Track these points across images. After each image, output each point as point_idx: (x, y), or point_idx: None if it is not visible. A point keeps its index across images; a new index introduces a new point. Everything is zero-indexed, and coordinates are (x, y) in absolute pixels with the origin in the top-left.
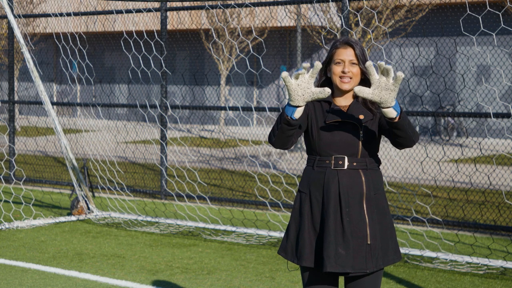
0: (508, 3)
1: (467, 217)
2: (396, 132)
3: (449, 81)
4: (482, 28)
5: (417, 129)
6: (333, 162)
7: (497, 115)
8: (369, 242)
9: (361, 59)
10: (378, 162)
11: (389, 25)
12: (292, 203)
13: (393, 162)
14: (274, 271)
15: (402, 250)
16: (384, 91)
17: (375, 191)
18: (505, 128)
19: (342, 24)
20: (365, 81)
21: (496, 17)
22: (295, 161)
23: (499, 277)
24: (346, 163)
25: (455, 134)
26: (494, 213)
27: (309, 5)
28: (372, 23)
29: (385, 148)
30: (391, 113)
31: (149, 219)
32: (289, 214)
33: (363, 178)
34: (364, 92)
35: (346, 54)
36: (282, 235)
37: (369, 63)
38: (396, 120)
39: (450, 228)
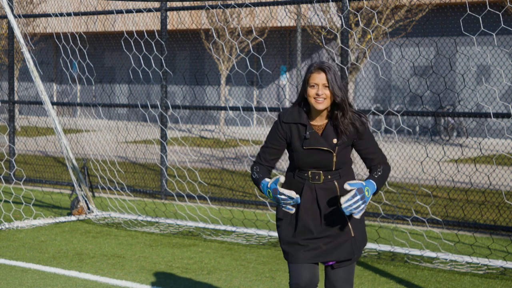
0: (508, 3)
1: (467, 217)
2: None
3: (449, 81)
4: (482, 28)
5: (417, 129)
6: (310, 176)
7: (497, 115)
8: (353, 235)
9: (331, 83)
10: (350, 163)
11: (389, 25)
12: None
13: (393, 162)
14: (274, 271)
15: (402, 250)
16: (354, 208)
17: (347, 191)
18: (505, 128)
19: (342, 24)
20: (336, 103)
21: (496, 17)
22: None
23: (499, 277)
24: (322, 177)
25: (455, 134)
26: (494, 213)
27: (309, 5)
28: (372, 23)
29: (385, 148)
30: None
31: (149, 219)
32: None
33: (337, 186)
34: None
35: (319, 78)
36: None
37: (348, 188)
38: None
39: (450, 228)
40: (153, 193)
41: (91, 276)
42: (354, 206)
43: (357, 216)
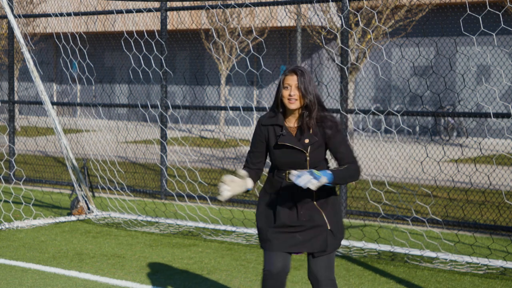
0: (508, 3)
1: (467, 217)
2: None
3: (449, 81)
4: (482, 28)
5: (417, 129)
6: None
7: (497, 115)
8: (329, 228)
9: (300, 84)
10: (326, 162)
11: (389, 25)
12: None
13: (393, 162)
14: None
15: (402, 250)
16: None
17: (324, 190)
18: (505, 128)
19: (342, 24)
20: (307, 105)
21: (496, 17)
22: None
23: (499, 277)
24: None
25: (455, 134)
26: (494, 213)
27: (309, 5)
28: (372, 23)
29: (385, 148)
30: (324, 182)
31: (149, 219)
32: None
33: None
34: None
35: (292, 80)
36: None
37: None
38: (332, 184)
39: (450, 228)
40: (153, 193)
41: (91, 276)
42: (303, 177)
43: (311, 186)
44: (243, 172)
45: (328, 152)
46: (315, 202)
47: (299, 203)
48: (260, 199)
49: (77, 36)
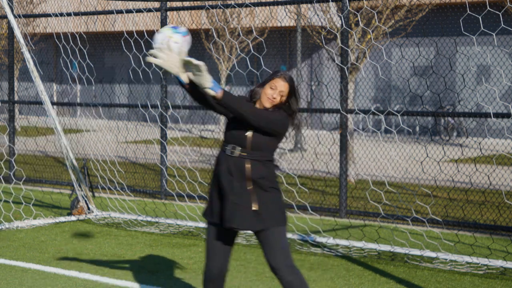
0: (508, 3)
1: (467, 217)
2: (225, 108)
3: (449, 81)
4: (482, 29)
5: (417, 129)
6: (229, 149)
7: (497, 115)
8: (253, 209)
9: (290, 94)
10: (270, 158)
11: (389, 25)
12: (293, 202)
13: (393, 162)
14: None
15: (402, 250)
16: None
17: (260, 176)
18: (505, 128)
19: (342, 24)
20: (283, 108)
21: (496, 17)
22: (295, 161)
23: (499, 277)
24: (237, 153)
25: (455, 134)
26: (494, 213)
27: (309, 5)
28: (372, 23)
29: (385, 148)
30: (210, 92)
31: (149, 219)
32: (290, 214)
33: (246, 165)
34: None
35: (280, 85)
36: None
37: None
38: (218, 98)
39: (450, 228)
40: (153, 193)
41: (91, 276)
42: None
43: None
44: (190, 61)
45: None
46: (249, 186)
47: (234, 178)
48: (213, 173)
49: (77, 36)
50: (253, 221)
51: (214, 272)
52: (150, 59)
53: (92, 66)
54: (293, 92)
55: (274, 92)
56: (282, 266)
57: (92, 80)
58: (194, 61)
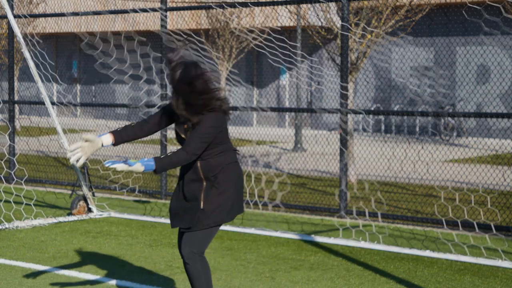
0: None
1: (467, 217)
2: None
3: (449, 81)
4: (482, 29)
5: (417, 129)
6: None
7: (497, 115)
8: (202, 208)
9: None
10: (219, 148)
11: (389, 25)
12: (293, 202)
13: (393, 162)
14: (274, 271)
15: (403, 250)
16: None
17: (211, 173)
18: (505, 128)
19: (342, 24)
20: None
21: (496, 17)
22: (295, 161)
23: (499, 277)
24: None
25: (455, 134)
26: (494, 213)
27: (309, 5)
28: (372, 23)
29: (385, 148)
30: (148, 171)
31: (149, 219)
32: (290, 214)
33: (198, 165)
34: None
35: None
36: (283, 235)
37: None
38: (157, 171)
39: (450, 228)
40: (153, 193)
41: (91, 276)
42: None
43: (108, 165)
44: (89, 137)
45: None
46: (203, 184)
47: (185, 179)
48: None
49: (77, 36)
50: (195, 219)
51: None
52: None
53: (92, 66)
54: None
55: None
56: (187, 253)
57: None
58: (118, 168)
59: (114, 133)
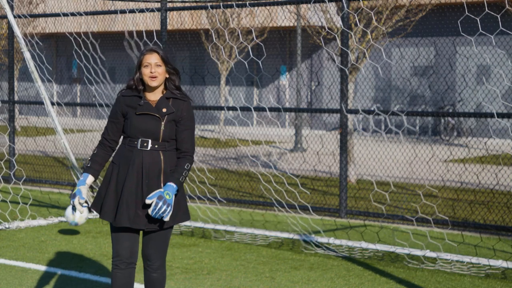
0: (507, 4)
1: (465, 217)
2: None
3: (449, 81)
4: (480, 30)
5: (417, 128)
6: (139, 143)
7: (497, 115)
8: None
9: (165, 61)
10: (175, 146)
11: (389, 25)
12: (293, 202)
13: (393, 162)
14: (274, 271)
15: (403, 251)
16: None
17: (171, 167)
18: (505, 128)
19: (341, 24)
20: (170, 78)
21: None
22: (295, 161)
23: (499, 278)
24: (150, 145)
25: (455, 134)
26: (500, 214)
27: (309, 5)
28: (372, 23)
29: (385, 148)
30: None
31: None
32: (290, 214)
33: (162, 157)
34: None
35: (152, 59)
36: (282, 235)
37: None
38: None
39: (453, 228)
40: None
41: (91, 276)
42: (160, 212)
43: (166, 219)
44: (81, 209)
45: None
46: (162, 177)
47: (145, 173)
48: (108, 171)
49: (77, 36)
50: (160, 220)
51: (124, 254)
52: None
53: (92, 66)
54: (166, 59)
55: (150, 67)
56: (155, 258)
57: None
58: (166, 218)
59: (90, 171)
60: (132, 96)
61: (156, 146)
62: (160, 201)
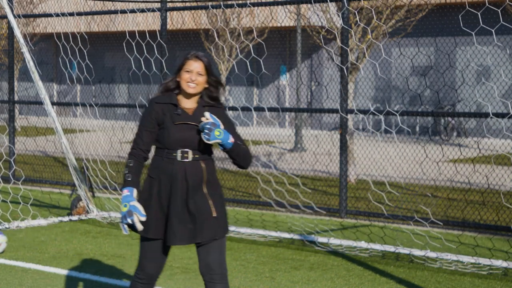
0: (508, 1)
1: (467, 217)
2: (228, 154)
3: (449, 81)
4: (481, 24)
5: (417, 129)
6: (179, 155)
7: (496, 115)
8: (214, 215)
9: (208, 71)
10: (211, 152)
11: (389, 25)
12: (293, 202)
13: (393, 162)
14: (274, 271)
15: (403, 251)
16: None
17: (213, 176)
18: (504, 127)
19: (341, 24)
20: (209, 89)
21: (496, 17)
22: (295, 161)
23: (499, 278)
24: (191, 156)
25: (455, 134)
26: (495, 213)
27: (309, 5)
28: (372, 23)
29: (385, 148)
30: (220, 146)
31: None
32: (290, 214)
33: (204, 167)
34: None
35: (194, 66)
36: (282, 235)
37: (206, 114)
38: (226, 149)
39: (451, 229)
40: None
41: (91, 276)
42: (208, 125)
43: (205, 138)
44: (139, 227)
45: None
46: (204, 187)
47: (190, 184)
48: (146, 186)
49: (77, 36)
50: (217, 227)
51: (152, 273)
52: None
53: (92, 66)
54: (209, 68)
55: (191, 74)
56: (218, 268)
57: (91, 80)
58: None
59: (133, 184)
60: (167, 103)
61: (196, 156)
62: (212, 126)
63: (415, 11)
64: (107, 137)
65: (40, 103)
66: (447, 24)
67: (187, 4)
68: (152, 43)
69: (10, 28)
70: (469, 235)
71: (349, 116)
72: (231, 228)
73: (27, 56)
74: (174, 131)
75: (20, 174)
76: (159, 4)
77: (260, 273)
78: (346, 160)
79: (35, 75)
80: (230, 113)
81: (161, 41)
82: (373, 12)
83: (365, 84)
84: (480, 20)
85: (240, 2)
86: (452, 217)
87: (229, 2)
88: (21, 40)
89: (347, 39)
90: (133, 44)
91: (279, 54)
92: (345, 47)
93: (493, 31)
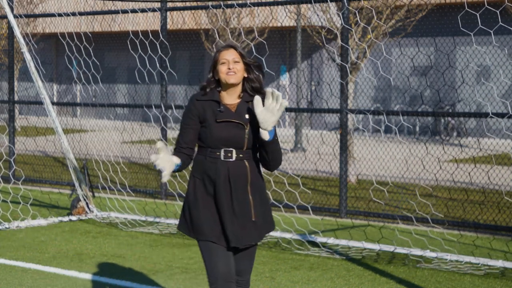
0: (507, 1)
1: (467, 217)
2: (264, 149)
3: (449, 81)
4: (480, 25)
5: (417, 128)
6: (223, 154)
7: (496, 115)
8: (253, 219)
9: (243, 57)
10: (256, 151)
11: (389, 25)
12: (293, 202)
13: (393, 162)
14: (274, 271)
15: (403, 250)
16: (269, 113)
17: (256, 176)
18: (504, 127)
19: (342, 24)
20: (249, 78)
21: (495, 16)
22: (295, 161)
23: (499, 277)
24: (234, 155)
25: (455, 134)
26: (494, 213)
27: (309, 5)
28: (372, 23)
29: (385, 148)
30: (265, 135)
31: (149, 219)
32: (292, 214)
33: (248, 167)
34: (256, 106)
35: (228, 55)
36: (282, 235)
37: (269, 90)
38: (267, 141)
39: (450, 228)
40: (154, 193)
41: (91, 276)
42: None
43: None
44: (160, 144)
45: None
46: (248, 188)
47: (233, 185)
48: (190, 187)
49: (78, 35)
50: (255, 234)
51: (224, 270)
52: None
53: (93, 66)
54: (243, 54)
55: (228, 64)
56: (247, 277)
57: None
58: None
59: (178, 155)
60: (208, 100)
61: (240, 155)
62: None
63: (415, 11)
64: (107, 136)
65: (40, 103)
66: (446, 24)
67: (187, 4)
68: (156, 41)
69: (10, 28)
70: (469, 234)
71: (349, 116)
72: None
73: (27, 56)
74: (216, 129)
75: (20, 174)
76: (159, 4)
77: (260, 273)
78: (346, 160)
79: (35, 75)
80: None
81: (163, 39)
82: (373, 12)
83: (365, 84)
84: (479, 21)
85: (240, 2)
86: (452, 216)
87: (229, 2)
88: (21, 40)
89: (347, 39)
90: (137, 42)
91: (279, 54)
92: (346, 47)
93: (491, 32)
